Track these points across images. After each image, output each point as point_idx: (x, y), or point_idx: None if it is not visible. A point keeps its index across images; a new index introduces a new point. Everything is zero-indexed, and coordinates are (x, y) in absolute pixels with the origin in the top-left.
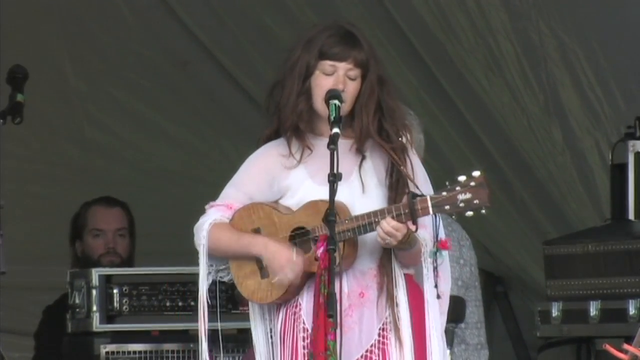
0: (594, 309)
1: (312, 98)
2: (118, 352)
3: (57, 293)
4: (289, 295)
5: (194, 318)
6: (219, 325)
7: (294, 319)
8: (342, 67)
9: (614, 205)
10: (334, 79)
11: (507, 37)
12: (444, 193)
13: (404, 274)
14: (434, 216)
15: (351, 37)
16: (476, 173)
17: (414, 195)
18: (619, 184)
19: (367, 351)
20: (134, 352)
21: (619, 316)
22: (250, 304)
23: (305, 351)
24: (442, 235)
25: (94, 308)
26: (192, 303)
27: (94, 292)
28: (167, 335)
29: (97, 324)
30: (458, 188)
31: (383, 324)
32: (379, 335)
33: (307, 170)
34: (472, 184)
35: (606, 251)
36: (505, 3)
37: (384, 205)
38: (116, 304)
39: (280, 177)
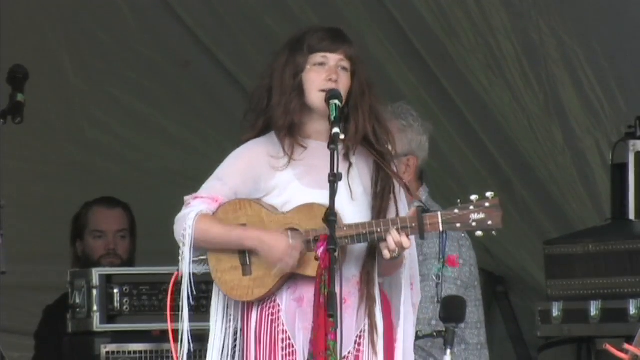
0: (594, 308)
1: (305, 93)
2: (118, 352)
3: (57, 293)
4: (270, 293)
5: (195, 318)
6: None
7: (271, 320)
8: (334, 58)
9: (615, 205)
10: (326, 70)
11: (508, 36)
12: (456, 210)
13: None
14: (441, 233)
15: (339, 33)
16: (490, 194)
17: (423, 210)
18: (619, 183)
19: (344, 357)
20: (135, 352)
21: (620, 316)
22: (214, 298)
23: (284, 353)
24: (450, 252)
25: (95, 308)
26: (193, 303)
27: (94, 291)
28: (167, 335)
29: (97, 323)
30: (471, 207)
31: (360, 332)
32: (355, 342)
33: (294, 172)
34: (487, 204)
35: (606, 251)
36: (506, 3)
37: (369, 214)
38: (117, 304)
39: (267, 176)
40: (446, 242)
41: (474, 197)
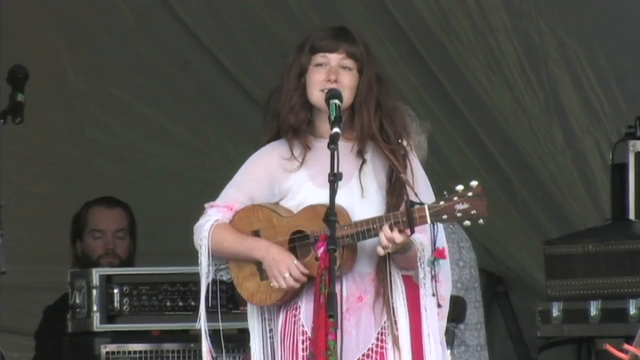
0: (594, 308)
1: (308, 92)
2: (118, 352)
3: (57, 293)
4: (288, 297)
5: (195, 318)
6: (220, 325)
7: (294, 322)
8: (334, 58)
9: (615, 205)
10: (327, 70)
11: (508, 37)
12: (442, 202)
13: (403, 276)
14: (432, 225)
15: (342, 31)
16: (474, 183)
17: (412, 204)
18: (619, 183)
19: (364, 355)
20: (134, 352)
21: (620, 316)
22: (249, 304)
23: (305, 354)
24: (440, 243)
25: (95, 308)
26: (193, 303)
27: (94, 292)
28: (167, 335)
29: (97, 323)
30: (456, 198)
31: (381, 329)
32: (376, 339)
33: (308, 172)
34: (470, 194)
35: (606, 251)
36: (506, 3)
37: (383, 210)
38: (116, 304)
39: (281, 180)
40: (437, 234)
41: (459, 188)
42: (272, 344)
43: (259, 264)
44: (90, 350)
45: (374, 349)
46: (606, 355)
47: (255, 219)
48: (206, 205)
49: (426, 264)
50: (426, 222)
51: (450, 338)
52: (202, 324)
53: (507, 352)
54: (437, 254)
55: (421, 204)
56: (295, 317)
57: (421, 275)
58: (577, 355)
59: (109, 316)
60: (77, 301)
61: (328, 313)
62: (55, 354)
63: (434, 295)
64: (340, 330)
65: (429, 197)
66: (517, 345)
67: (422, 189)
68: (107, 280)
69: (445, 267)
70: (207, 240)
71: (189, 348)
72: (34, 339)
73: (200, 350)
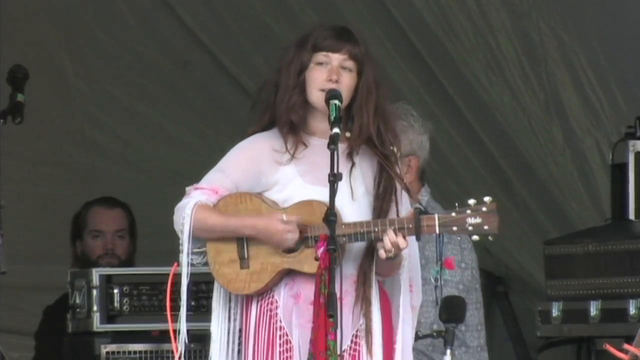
0: (594, 308)
1: (307, 90)
2: (118, 352)
3: (57, 293)
4: (267, 288)
5: (195, 318)
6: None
7: (270, 316)
8: (336, 58)
9: (615, 205)
10: (328, 70)
11: (508, 36)
12: (453, 214)
13: (379, 282)
14: (438, 236)
15: (345, 31)
16: (487, 199)
17: (421, 212)
18: (619, 183)
19: (338, 355)
20: (135, 352)
21: (620, 316)
22: (215, 291)
23: (282, 349)
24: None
25: (95, 308)
26: (193, 303)
27: (94, 292)
28: (167, 335)
29: (97, 323)
30: (468, 211)
31: (356, 331)
32: (351, 341)
33: (297, 168)
34: (484, 209)
35: (606, 251)
36: (506, 3)
37: (370, 214)
38: (117, 304)
39: (269, 171)
40: (443, 245)
41: (471, 202)
42: (233, 332)
43: (240, 251)
44: (90, 350)
45: (349, 350)
46: (606, 355)
47: (242, 207)
48: (188, 188)
49: (431, 276)
50: (434, 232)
51: (450, 338)
52: (183, 308)
53: (507, 352)
54: (446, 265)
55: (427, 212)
56: (271, 311)
57: (402, 283)
58: (577, 355)
59: (109, 316)
60: (77, 301)
61: (328, 313)
62: (55, 354)
63: (438, 305)
64: (340, 330)
65: (407, 207)
66: (517, 345)
67: (405, 199)
68: (107, 280)
69: (418, 279)
70: (190, 218)
71: (189, 348)
72: (34, 339)
73: (200, 351)
